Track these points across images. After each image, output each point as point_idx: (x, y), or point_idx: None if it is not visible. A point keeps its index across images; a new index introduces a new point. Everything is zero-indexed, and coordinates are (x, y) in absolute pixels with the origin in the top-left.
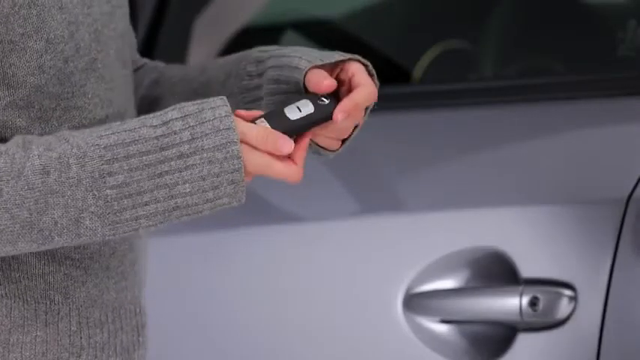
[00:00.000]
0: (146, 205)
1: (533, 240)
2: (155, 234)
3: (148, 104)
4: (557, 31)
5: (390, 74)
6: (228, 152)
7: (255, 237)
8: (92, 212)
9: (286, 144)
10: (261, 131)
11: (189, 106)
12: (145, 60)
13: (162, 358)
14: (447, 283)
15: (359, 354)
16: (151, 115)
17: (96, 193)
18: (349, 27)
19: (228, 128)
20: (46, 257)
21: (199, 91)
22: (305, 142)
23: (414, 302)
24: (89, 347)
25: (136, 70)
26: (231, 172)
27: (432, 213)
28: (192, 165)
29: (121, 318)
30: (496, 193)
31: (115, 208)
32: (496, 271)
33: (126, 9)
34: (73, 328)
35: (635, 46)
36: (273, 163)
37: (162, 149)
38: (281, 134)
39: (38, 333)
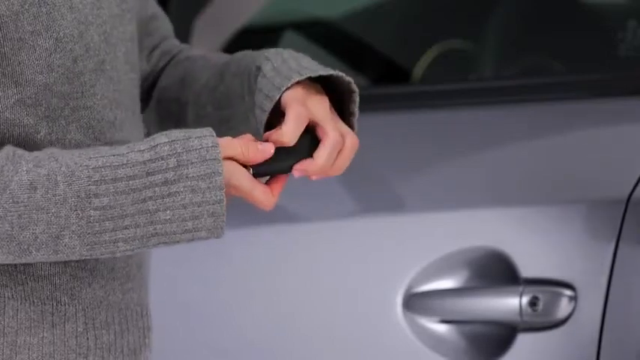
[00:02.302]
0: (126, 228)
1: (533, 240)
2: None
3: (177, 108)
4: (557, 31)
5: (390, 74)
6: (211, 182)
7: (255, 237)
8: (73, 231)
9: (267, 144)
10: (242, 143)
11: (177, 132)
12: (183, 46)
13: (163, 358)
14: (447, 283)
15: (359, 354)
16: (140, 142)
17: (80, 212)
18: (349, 27)
19: (214, 159)
20: None
21: (223, 103)
22: (284, 179)
23: (414, 302)
24: (96, 348)
25: (172, 58)
26: (213, 204)
27: (432, 213)
28: (175, 192)
29: (127, 319)
30: (496, 193)
31: (96, 229)
32: (496, 271)
33: (134, 13)
34: (79, 330)
35: (635, 46)
36: (256, 187)
37: (149, 174)
38: (259, 142)
39: (45, 334)
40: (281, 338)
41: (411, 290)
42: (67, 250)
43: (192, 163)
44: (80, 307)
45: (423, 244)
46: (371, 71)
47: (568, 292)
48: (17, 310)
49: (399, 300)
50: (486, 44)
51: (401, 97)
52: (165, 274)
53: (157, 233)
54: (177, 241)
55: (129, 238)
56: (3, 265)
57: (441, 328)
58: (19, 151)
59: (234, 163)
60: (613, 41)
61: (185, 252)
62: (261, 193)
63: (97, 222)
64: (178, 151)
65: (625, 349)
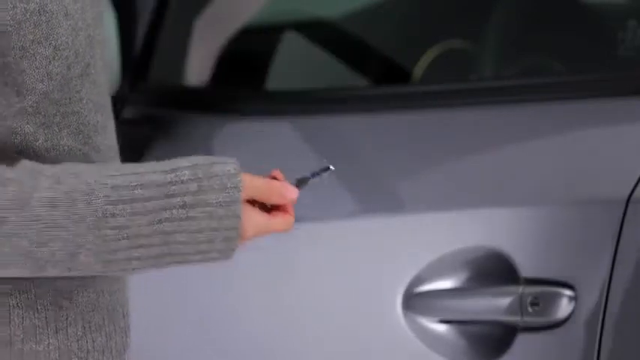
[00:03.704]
0: (141, 247)
1: (533, 240)
2: None
3: None
4: (557, 31)
5: (390, 74)
6: (229, 210)
7: (255, 237)
8: (89, 249)
9: (290, 190)
10: (264, 184)
11: (199, 158)
12: None
13: (164, 358)
14: (447, 283)
15: (359, 354)
16: (160, 162)
17: (96, 231)
18: (349, 27)
19: (234, 187)
20: None
21: None
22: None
23: (414, 302)
24: (94, 350)
25: None
26: (228, 230)
27: (431, 213)
28: (193, 217)
29: (114, 321)
30: (496, 193)
31: (112, 247)
32: (496, 271)
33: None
34: (79, 333)
35: (635, 46)
36: (272, 221)
37: (168, 196)
38: (283, 183)
39: (50, 340)
40: (281, 338)
41: (411, 290)
42: (82, 267)
43: (212, 189)
44: (78, 311)
45: (422, 244)
46: (371, 71)
47: (568, 292)
48: (22, 318)
49: (399, 300)
50: (486, 44)
51: (401, 97)
52: (165, 274)
53: (170, 253)
54: (189, 261)
55: (143, 256)
56: None
57: (441, 328)
58: (38, 166)
59: (249, 207)
60: (613, 41)
61: None
62: (281, 223)
63: (113, 241)
64: (199, 176)
65: (625, 349)
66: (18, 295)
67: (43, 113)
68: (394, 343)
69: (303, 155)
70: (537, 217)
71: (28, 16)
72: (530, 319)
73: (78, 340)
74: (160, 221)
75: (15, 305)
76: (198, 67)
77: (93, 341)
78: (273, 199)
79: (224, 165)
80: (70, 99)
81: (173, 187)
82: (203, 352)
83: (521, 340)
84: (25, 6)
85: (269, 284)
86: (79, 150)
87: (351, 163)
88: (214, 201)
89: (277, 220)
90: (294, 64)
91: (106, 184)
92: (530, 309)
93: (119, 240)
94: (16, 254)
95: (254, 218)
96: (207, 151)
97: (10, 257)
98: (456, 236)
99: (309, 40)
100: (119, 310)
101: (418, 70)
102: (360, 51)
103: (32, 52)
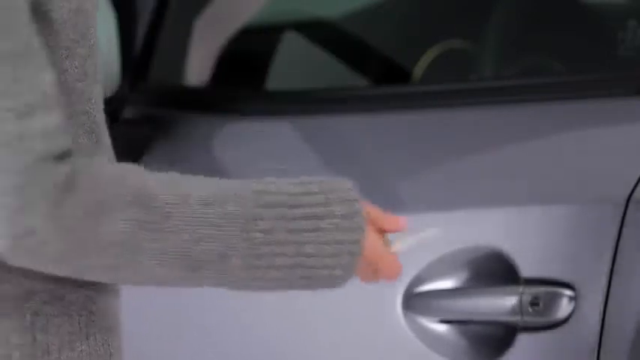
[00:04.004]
0: (277, 256)
1: (533, 240)
2: None
3: None
4: (557, 31)
5: (390, 74)
6: (354, 222)
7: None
8: (238, 250)
9: (401, 219)
10: (379, 210)
11: (317, 177)
12: None
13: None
14: (447, 283)
15: (359, 354)
16: (281, 178)
17: (245, 234)
18: (349, 27)
19: (355, 200)
20: None
21: None
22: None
23: (414, 302)
24: (115, 353)
25: None
26: (352, 243)
27: (431, 213)
28: (322, 228)
29: (119, 322)
30: (496, 193)
31: (257, 252)
32: (496, 271)
33: None
34: (104, 337)
35: (635, 46)
36: (387, 252)
37: (300, 206)
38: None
39: (83, 347)
40: (280, 338)
41: (411, 290)
42: (230, 271)
43: (336, 201)
44: (102, 315)
45: (422, 244)
46: (371, 71)
47: (568, 292)
48: (59, 326)
49: (399, 300)
50: (486, 44)
51: (401, 97)
52: None
53: (301, 265)
54: (316, 277)
55: (279, 265)
56: (43, 281)
57: (441, 328)
58: (178, 174)
59: (370, 227)
60: (613, 41)
61: None
62: (392, 261)
63: (260, 245)
64: (325, 189)
65: (625, 349)
66: (55, 303)
67: (75, 112)
68: (394, 343)
69: (303, 155)
70: (537, 217)
71: (71, 15)
72: (530, 319)
73: (103, 345)
74: (292, 230)
75: (52, 314)
76: (198, 67)
77: (112, 343)
78: (386, 223)
79: (341, 181)
80: (82, 98)
81: (303, 198)
82: (204, 353)
83: (521, 340)
84: (69, 5)
85: None
86: (91, 149)
87: (351, 163)
88: (339, 213)
89: (391, 256)
90: (294, 64)
91: (249, 188)
92: (530, 309)
93: (263, 245)
94: (175, 251)
95: (374, 238)
96: (208, 151)
97: (170, 254)
98: (456, 236)
99: (309, 40)
100: (119, 313)
101: (418, 70)
102: (360, 51)
103: (73, 51)
